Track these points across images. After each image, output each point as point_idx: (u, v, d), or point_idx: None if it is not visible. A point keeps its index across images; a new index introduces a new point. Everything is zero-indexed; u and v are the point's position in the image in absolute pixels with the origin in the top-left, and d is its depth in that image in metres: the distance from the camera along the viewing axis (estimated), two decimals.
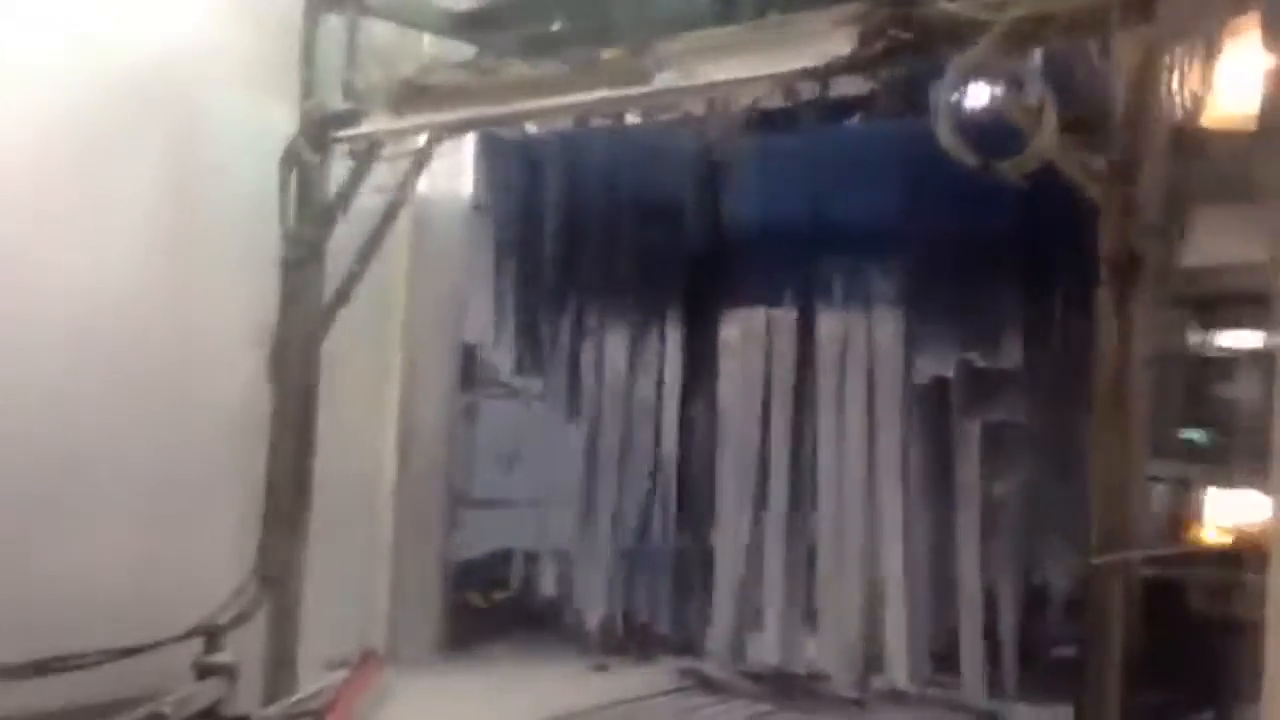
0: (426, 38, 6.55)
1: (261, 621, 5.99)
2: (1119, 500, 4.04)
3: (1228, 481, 7.36)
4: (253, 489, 6.07)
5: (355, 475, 6.79)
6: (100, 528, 5.74)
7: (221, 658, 5.76)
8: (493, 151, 6.61)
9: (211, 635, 5.75)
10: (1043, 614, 5.86)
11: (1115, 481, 4.04)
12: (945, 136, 4.17)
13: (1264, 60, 3.80)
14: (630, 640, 6.58)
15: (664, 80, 4.60)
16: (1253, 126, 4.14)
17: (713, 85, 4.62)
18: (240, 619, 5.88)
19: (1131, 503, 4.07)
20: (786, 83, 4.54)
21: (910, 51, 4.15)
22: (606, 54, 4.77)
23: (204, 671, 5.71)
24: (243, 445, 6.11)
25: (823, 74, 4.35)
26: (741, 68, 4.46)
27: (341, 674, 6.37)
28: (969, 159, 4.16)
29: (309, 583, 6.11)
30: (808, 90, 4.89)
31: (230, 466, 6.15)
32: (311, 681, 6.14)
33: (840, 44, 4.29)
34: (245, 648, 5.89)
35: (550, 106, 5.13)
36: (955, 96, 4.21)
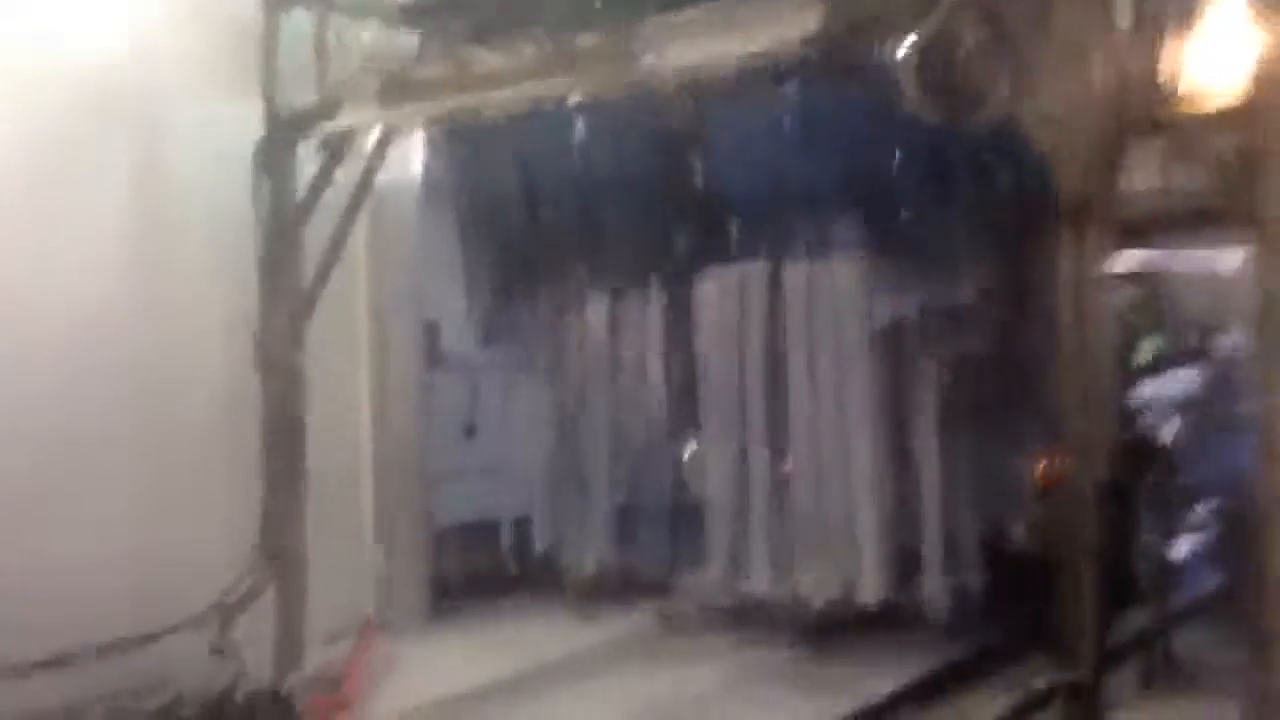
0: (367, 31, 6.71)
1: (269, 599, 6.22)
2: (1088, 414, 4.48)
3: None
4: (247, 474, 6.26)
5: (337, 455, 7.01)
6: (101, 521, 5.89)
7: (233, 637, 5.97)
8: (448, 130, 6.77)
9: (224, 616, 5.97)
10: (1003, 533, 6.33)
11: (1082, 398, 4.47)
12: (911, 95, 4.58)
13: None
14: (617, 590, 6.91)
15: (646, 64, 4.89)
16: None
17: (692, 67, 4.93)
18: (250, 597, 6.06)
19: (1098, 417, 4.54)
20: (764, 61, 4.83)
21: (874, 25, 4.55)
22: (587, 39, 5.02)
23: (219, 652, 5.92)
24: (235, 432, 6.30)
25: (800, 51, 4.67)
26: (718, 47, 4.80)
27: (343, 645, 6.64)
28: (933, 114, 4.58)
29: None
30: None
31: (224, 453, 6.35)
32: (313, 654, 6.40)
33: (807, 20, 4.66)
34: (252, 626, 6.13)
35: (534, 94, 5.29)
36: (918, 58, 4.62)
